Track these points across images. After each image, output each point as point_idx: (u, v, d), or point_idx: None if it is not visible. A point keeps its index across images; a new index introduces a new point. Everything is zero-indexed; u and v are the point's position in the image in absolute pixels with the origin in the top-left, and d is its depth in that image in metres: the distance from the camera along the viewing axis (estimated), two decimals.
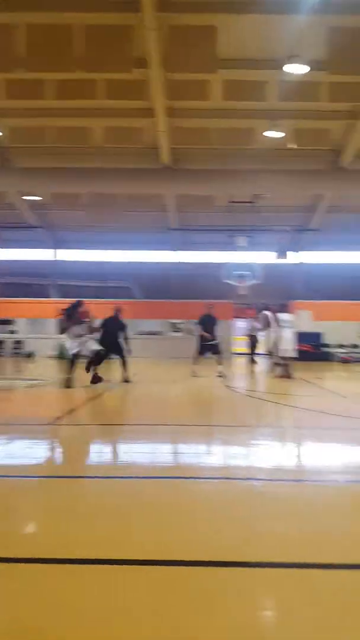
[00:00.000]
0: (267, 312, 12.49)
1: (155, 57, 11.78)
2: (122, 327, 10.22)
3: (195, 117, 15.02)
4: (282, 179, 17.35)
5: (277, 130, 15.01)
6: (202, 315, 12.22)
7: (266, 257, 22.30)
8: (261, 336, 15.16)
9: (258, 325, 13.86)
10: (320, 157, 17.25)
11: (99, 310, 10.74)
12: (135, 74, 12.33)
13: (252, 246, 20.50)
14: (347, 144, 16.08)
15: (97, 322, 9.85)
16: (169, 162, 16.99)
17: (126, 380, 10.02)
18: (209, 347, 11.95)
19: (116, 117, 15.04)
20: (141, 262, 24.92)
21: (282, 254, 21.10)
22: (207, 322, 11.93)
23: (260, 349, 17.06)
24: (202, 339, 11.87)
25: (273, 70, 12.58)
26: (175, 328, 22.64)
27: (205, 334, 11.81)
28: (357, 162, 16.88)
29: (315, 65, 11.68)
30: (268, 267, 21.60)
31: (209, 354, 12.10)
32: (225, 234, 20.95)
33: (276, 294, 21.66)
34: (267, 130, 15.07)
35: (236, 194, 19.50)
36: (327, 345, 20.92)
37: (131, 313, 19.90)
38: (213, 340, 11.90)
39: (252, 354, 17.20)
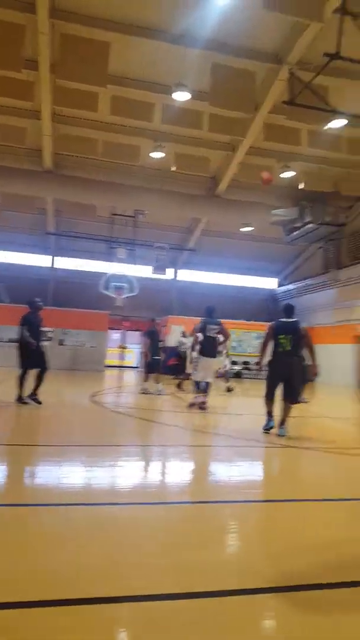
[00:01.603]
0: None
1: (44, 61, 11.74)
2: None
3: (82, 127, 15.11)
4: (162, 198, 18.15)
5: (160, 151, 15.74)
6: (148, 330, 11.76)
7: (144, 271, 22.92)
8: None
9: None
10: (200, 182, 18.37)
11: None
12: (24, 75, 12.14)
13: (131, 259, 20.92)
14: (224, 173, 17.35)
15: None
16: (52, 166, 16.83)
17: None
18: (155, 363, 11.61)
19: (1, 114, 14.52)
20: (11, 264, 23.89)
21: (159, 269, 21.83)
22: (154, 338, 11.61)
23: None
24: (147, 355, 11.50)
25: (160, 94, 13.28)
26: (46, 336, 21.99)
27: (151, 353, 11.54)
28: (230, 191, 18.28)
29: (198, 96, 12.59)
30: (145, 281, 22.22)
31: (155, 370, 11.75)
32: (105, 245, 21.14)
33: (151, 308, 22.36)
34: (151, 150, 15.72)
35: (118, 207, 19.87)
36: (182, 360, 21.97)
37: None
38: (158, 356, 11.66)
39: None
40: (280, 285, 27.23)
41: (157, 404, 10.09)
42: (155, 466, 5.05)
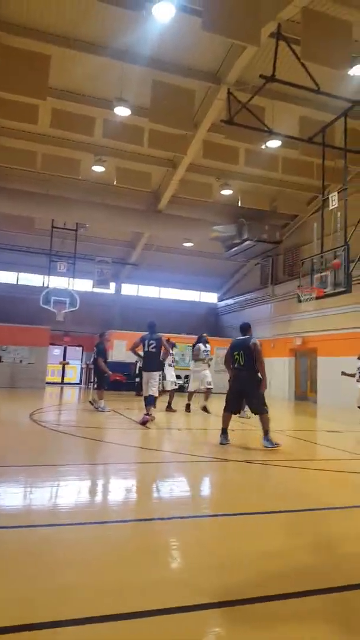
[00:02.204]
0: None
1: None
2: None
3: (21, 139, 14.83)
4: (104, 212, 18.08)
5: (101, 165, 15.72)
6: (100, 344, 11.64)
7: (86, 285, 22.62)
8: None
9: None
10: (141, 197, 18.48)
11: None
12: None
13: (72, 273, 20.61)
14: (165, 189, 17.56)
15: None
16: None
17: None
18: (103, 378, 11.55)
19: None
20: None
21: (102, 283, 21.63)
22: (105, 353, 11.53)
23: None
24: (102, 370, 11.43)
25: (101, 108, 13.31)
26: None
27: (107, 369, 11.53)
28: (171, 207, 18.52)
29: (138, 112, 12.72)
30: (87, 296, 21.93)
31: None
32: (45, 258, 20.72)
33: (94, 322, 22.07)
34: (92, 164, 15.67)
35: (58, 220, 19.58)
36: (140, 376, 21.81)
37: None
38: (106, 372, 11.57)
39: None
40: (220, 299, 27.73)
41: (99, 421, 9.91)
42: (95, 485, 4.91)
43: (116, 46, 11.51)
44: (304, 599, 2.43)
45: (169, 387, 12.11)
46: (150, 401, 9.25)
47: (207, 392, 11.35)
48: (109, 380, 11.94)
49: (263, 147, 14.48)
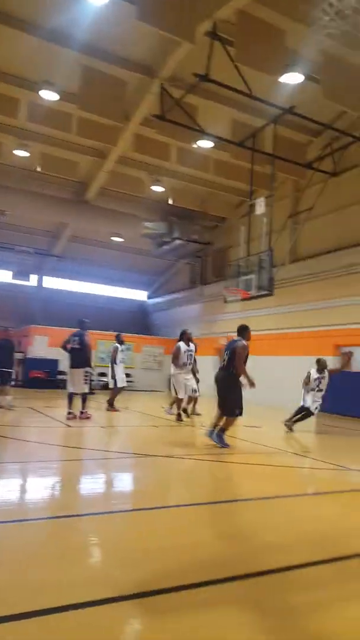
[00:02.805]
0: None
1: None
2: None
3: None
4: (26, 199, 17.17)
5: (24, 150, 14.83)
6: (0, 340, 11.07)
7: (4, 276, 21.39)
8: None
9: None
10: (67, 186, 17.73)
11: None
12: None
13: None
14: (93, 179, 16.96)
15: None
16: None
17: None
18: (5, 374, 10.83)
19: None
20: None
21: (22, 275, 20.57)
22: (5, 348, 10.90)
23: None
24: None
25: (27, 90, 12.50)
26: None
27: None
28: (100, 199, 17.95)
29: (67, 97, 12.08)
30: (5, 287, 20.76)
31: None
32: None
33: (12, 316, 20.95)
34: (15, 148, 14.73)
35: None
36: (62, 373, 20.99)
37: None
38: (9, 367, 10.91)
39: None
40: (149, 297, 27.44)
41: (7, 419, 9.43)
42: (15, 484, 4.73)
43: (47, 26, 10.76)
44: (219, 585, 2.49)
45: (119, 385, 11.46)
46: (82, 398, 9.51)
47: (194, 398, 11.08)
48: (9, 375, 11.22)
49: (195, 146, 14.32)
